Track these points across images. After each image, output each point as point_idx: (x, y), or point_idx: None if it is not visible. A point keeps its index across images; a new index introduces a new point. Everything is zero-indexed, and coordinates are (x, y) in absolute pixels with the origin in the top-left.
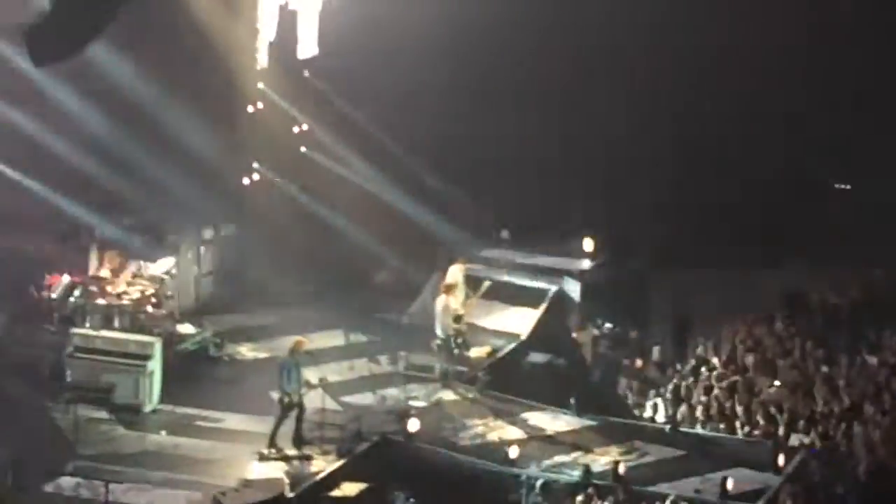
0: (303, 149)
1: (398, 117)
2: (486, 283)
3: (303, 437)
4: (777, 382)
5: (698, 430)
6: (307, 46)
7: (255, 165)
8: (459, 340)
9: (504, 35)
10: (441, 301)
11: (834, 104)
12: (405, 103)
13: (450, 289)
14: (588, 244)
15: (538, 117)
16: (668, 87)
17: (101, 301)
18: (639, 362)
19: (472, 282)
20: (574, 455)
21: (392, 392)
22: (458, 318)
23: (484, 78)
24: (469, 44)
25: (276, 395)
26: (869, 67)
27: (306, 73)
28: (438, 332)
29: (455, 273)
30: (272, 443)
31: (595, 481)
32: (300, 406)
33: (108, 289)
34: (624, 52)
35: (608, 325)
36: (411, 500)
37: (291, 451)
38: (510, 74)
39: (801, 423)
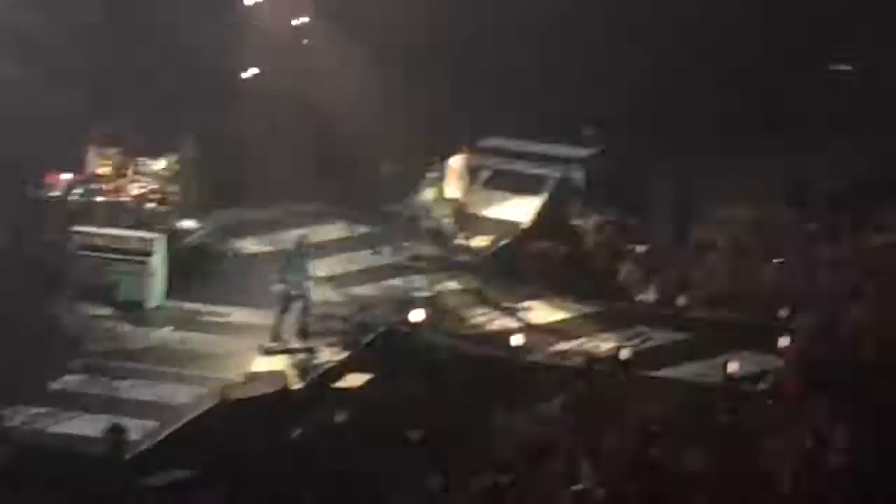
0: (304, 41)
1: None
2: (486, 172)
3: (307, 329)
4: (778, 260)
5: (700, 313)
6: None
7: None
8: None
9: None
10: (430, 191)
11: None
12: None
13: (441, 179)
14: (589, 131)
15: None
16: None
17: (102, 199)
18: (640, 248)
19: (474, 171)
20: (577, 341)
21: (395, 283)
22: (454, 206)
23: None
24: None
25: (277, 287)
26: None
27: None
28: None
29: (456, 163)
30: (276, 335)
31: (598, 367)
32: (305, 298)
33: (110, 186)
34: None
35: (609, 212)
36: None
37: (296, 344)
38: None
39: (804, 304)
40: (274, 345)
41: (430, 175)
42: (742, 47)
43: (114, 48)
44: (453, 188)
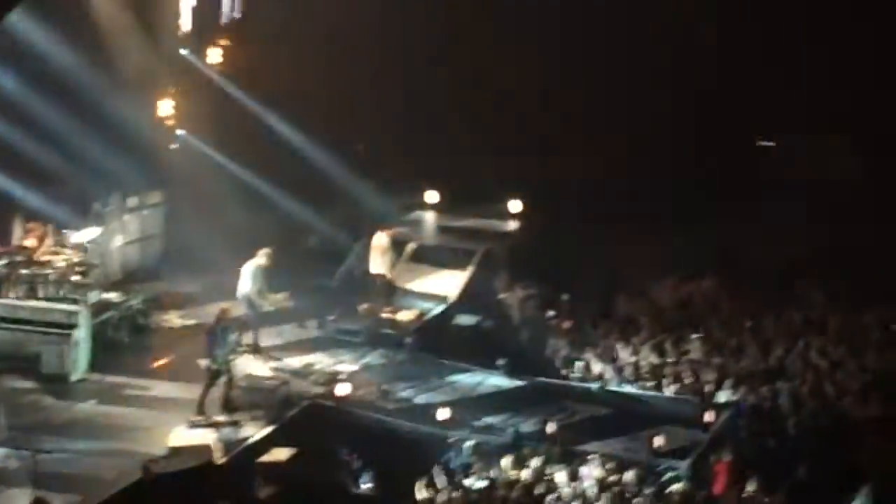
0: (228, 114)
1: (325, 80)
2: (411, 246)
3: (232, 402)
4: (696, 334)
5: (626, 388)
6: (229, 10)
7: (181, 132)
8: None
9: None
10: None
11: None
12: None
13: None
14: (515, 205)
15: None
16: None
17: (25, 271)
18: (566, 323)
19: (399, 246)
20: (503, 416)
21: (321, 356)
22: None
23: (403, 35)
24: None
25: (204, 363)
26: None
27: (226, 42)
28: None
29: (379, 240)
30: (201, 409)
31: (524, 441)
32: (228, 372)
33: (33, 258)
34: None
35: (534, 286)
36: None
37: (220, 418)
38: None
39: (729, 380)
40: (199, 418)
41: (355, 250)
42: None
43: (41, 124)
44: (378, 264)
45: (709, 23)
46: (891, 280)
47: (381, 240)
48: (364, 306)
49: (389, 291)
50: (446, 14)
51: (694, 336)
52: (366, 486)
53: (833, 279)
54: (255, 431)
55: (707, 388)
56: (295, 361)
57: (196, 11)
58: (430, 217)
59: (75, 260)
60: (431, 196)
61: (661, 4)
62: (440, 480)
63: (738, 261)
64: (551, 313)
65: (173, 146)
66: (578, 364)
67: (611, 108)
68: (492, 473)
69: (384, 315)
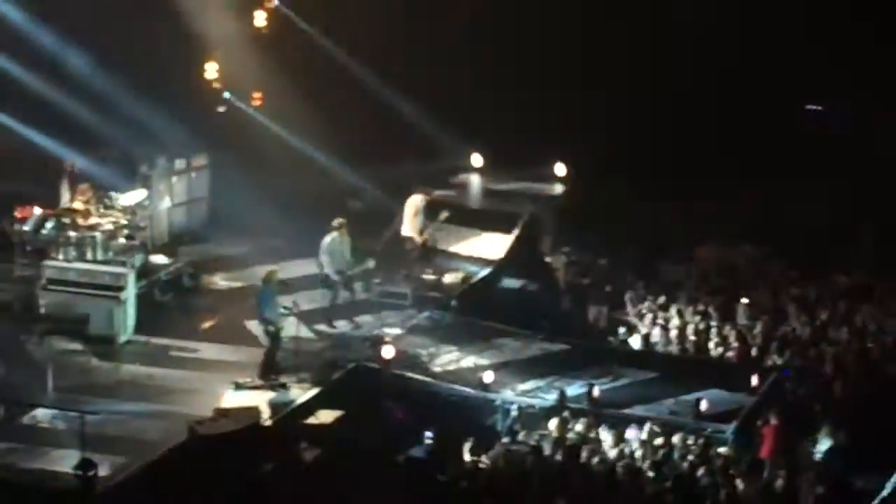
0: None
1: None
2: (444, 213)
3: (276, 365)
4: (745, 300)
5: (672, 351)
6: None
7: (228, 95)
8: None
9: None
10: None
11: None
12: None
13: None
14: (560, 169)
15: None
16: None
17: (73, 233)
18: (608, 288)
19: (434, 208)
20: (548, 379)
21: (367, 319)
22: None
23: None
24: None
25: (259, 327)
26: None
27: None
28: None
29: (412, 202)
30: (269, 372)
31: (570, 405)
32: (277, 333)
33: (81, 221)
34: None
35: (579, 251)
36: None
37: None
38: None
39: (775, 344)
40: (245, 381)
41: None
42: (715, 93)
43: (89, 86)
44: (408, 227)
45: None
46: None
47: (413, 202)
48: (402, 272)
49: (424, 254)
50: None
51: (740, 301)
52: (426, 443)
53: (878, 246)
54: (301, 394)
55: (753, 353)
56: (341, 324)
57: None
58: (475, 180)
59: (122, 222)
60: (476, 159)
61: None
62: (487, 443)
63: (783, 224)
64: (590, 279)
65: (220, 108)
66: (622, 329)
67: (655, 69)
68: (537, 436)
69: (426, 277)
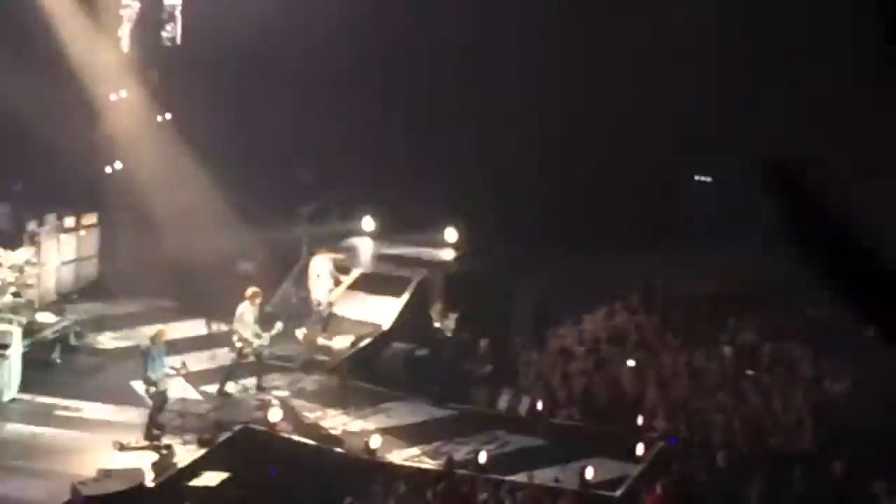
0: (166, 137)
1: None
2: (355, 272)
3: (159, 426)
4: (630, 363)
5: (558, 419)
6: (171, 33)
7: (118, 158)
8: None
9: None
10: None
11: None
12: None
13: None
14: (451, 234)
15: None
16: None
17: None
18: (496, 352)
19: (339, 272)
20: (436, 444)
21: (253, 381)
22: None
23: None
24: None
25: (141, 387)
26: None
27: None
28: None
29: (318, 263)
30: (151, 432)
31: (457, 470)
32: (162, 394)
33: None
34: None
35: (468, 315)
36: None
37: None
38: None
39: (661, 412)
40: (129, 441)
41: (292, 274)
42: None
43: None
44: (317, 289)
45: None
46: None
47: (316, 264)
48: (302, 332)
49: (327, 318)
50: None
51: (627, 366)
52: None
53: (762, 312)
54: (186, 455)
55: (639, 421)
56: (227, 386)
57: (134, 34)
58: (366, 243)
59: (10, 280)
60: (368, 223)
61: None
62: None
63: (667, 293)
64: (483, 342)
65: (109, 170)
66: (509, 394)
67: (544, 139)
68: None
69: (320, 341)
